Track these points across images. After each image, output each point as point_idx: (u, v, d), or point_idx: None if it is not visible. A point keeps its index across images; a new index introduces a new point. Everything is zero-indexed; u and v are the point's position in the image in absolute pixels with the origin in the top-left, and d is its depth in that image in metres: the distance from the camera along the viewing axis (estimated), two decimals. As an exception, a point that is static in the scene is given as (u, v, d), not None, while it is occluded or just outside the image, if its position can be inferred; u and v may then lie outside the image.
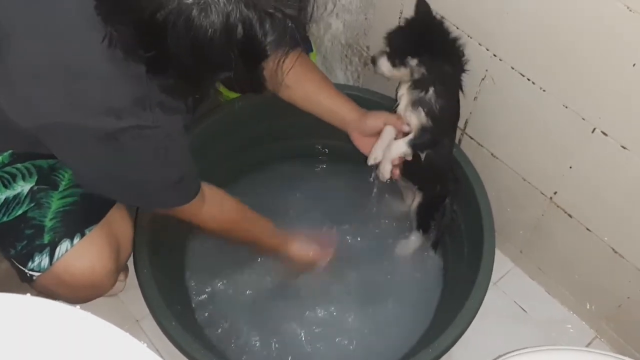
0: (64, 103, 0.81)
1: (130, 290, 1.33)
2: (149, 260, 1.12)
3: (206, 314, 1.28)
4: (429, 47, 1.12)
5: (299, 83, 1.19)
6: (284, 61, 0.79)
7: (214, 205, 1.05)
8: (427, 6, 1.13)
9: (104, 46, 0.74)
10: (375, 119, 1.21)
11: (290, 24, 0.72)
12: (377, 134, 1.20)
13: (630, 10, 0.89)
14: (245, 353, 1.25)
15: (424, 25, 1.14)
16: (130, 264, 1.16)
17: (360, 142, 1.24)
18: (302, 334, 1.27)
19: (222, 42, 0.68)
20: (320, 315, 1.29)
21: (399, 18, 1.28)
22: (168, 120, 0.86)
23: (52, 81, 0.81)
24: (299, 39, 0.77)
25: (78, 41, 0.80)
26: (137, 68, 0.75)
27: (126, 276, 1.35)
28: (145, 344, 0.72)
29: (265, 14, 0.69)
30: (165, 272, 1.20)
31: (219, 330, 1.27)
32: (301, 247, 1.21)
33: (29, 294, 0.70)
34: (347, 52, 1.54)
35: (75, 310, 0.71)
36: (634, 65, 0.93)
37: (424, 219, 1.30)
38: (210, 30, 0.67)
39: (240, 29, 0.68)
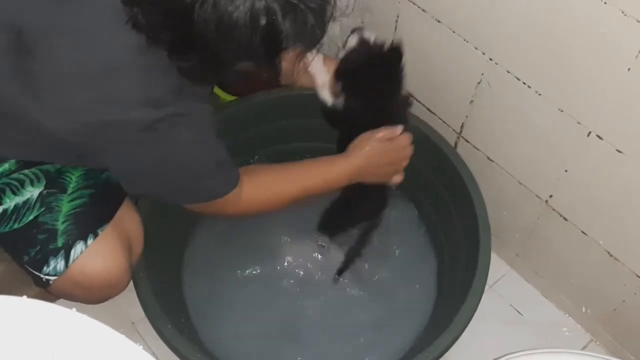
0: (100, 100, 0.82)
1: (126, 293, 1.32)
2: (145, 262, 1.12)
3: (202, 316, 1.28)
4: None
5: None
6: (302, 59, 0.82)
7: (252, 186, 1.03)
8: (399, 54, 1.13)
9: (135, 41, 0.76)
10: None
11: (311, 20, 0.74)
12: None
13: (625, 15, 0.89)
14: (240, 355, 1.25)
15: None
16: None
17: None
18: (296, 335, 1.27)
19: (246, 28, 0.71)
20: (313, 319, 1.29)
21: (396, 22, 1.29)
22: (201, 108, 0.90)
23: (87, 80, 0.82)
24: (317, 39, 0.79)
25: (108, 39, 0.81)
26: (167, 59, 0.78)
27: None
28: (142, 347, 0.72)
29: (288, 6, 0.72)
30: (162, 275, 1.20)
31: (215, 333, 1.26)
32: (362, 149, 1.13)
33: (24, 296, 0.70)
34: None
35: (72, 313, 0.71)
36: (628, 69, 0.93)
37: (331, 221, 1.28)
38: (235, 14, 0.70)
39: (263, 17, 0.71)
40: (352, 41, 1.14)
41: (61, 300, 1.11)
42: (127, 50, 0.80)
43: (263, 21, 0.71)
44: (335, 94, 1.16)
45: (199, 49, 0.74)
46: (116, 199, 1.09)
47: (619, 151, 1.04)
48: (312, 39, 0.78)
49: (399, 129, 1.16)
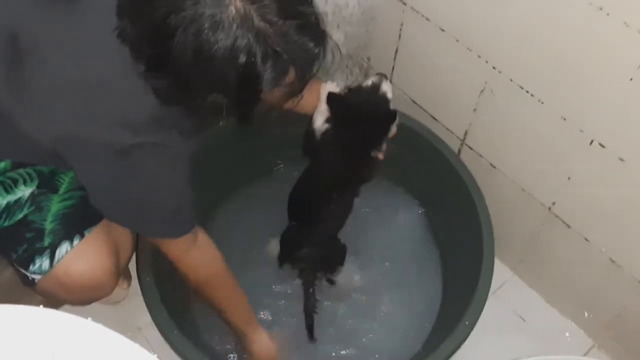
0: (82, 115, 0.82)
1: (133, 298, 1.34)
2: (152, 268, 1.13)
3: (208, 322, 1.28)
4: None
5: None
6: (283, 102, 0.81)
7: (200, 251, 1.02)
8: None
9: (127, 62, 0.76)
10: None
11: (292, 72, 0.74)
12: None
13: (627, 26, 0.90)
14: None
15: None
16: (133, 271, 1.17)
17: None
18: (300, 343, 1.28)
19: (223, 62, 0.70)
20: (317, 324, 1.29)
21: (400, 31, 1.30)
22: (181, 143, 0.87)
23: (73, 94, 0.82)
24: (297, 91, 0.79)
25: (101, 56, 0.81)
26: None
27: (129, 284, 1.36)
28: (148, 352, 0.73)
29: (272, 52, 0.72)
30: (168, 280, 1.20)
31: (220, 338, 1.27)
32: (267, 342, 1.17)
33: (33, 305, 0.70)
34: (347, 63, 1.55)
35: (81, 320, 0.72)
36: (631, 79, 0.94)
37: (284, 250, 1.29)
38: (215, 46, 0.70)
39: (243, 55, 0.71)
40: (367, 82, 1.17)
41: (65, 306, 1.12)
42: (116, 70, 0.80)
43: (242, 60, 0.71)
44: (327, 121, 1.17)
45: (172, 72, 0.73)
46: None
47: (621, 159, 1.04)
48: (291, 90, 0.78)
49: None
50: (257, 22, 0.70)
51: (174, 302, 1.18)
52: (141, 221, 0.96)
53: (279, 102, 0.82)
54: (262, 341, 1.17)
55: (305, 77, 0.78)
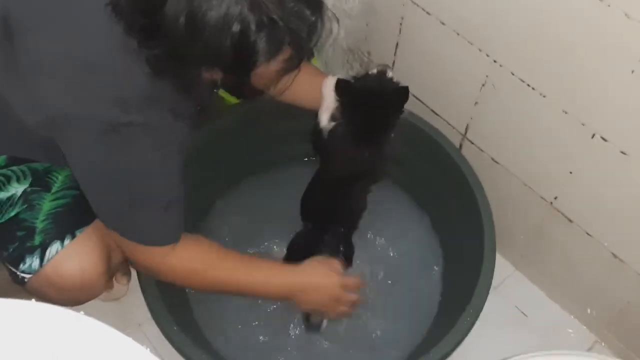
0: (72, 93, 0.81)
1: (132, 294, 1.34)
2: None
3: (208, 317, 1.29)
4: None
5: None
6: (279, 78, 0.80)
7: (181, 253, 0.97)
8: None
9: (119, 40, 0.75)
10: None
11: (289, 42, 0.73)
12: None
13: (628, 18, 0.89)
14: (245, 355, 1.25)
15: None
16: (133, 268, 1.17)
17: None
18: (300, 338, 1.28)
19: (216, 31, 0.69)
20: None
21: (400, 24, 1.29)
22: (174, 128, 0.86)
23: (65, 73, 0.81)
24: (294, 65, 0.78)
25: (94, 34, 0.80)
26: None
27: (128, 280, 1.36)
28: (148, 349, 0.72)
29: (267, 20, 0.70)
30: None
31: (220, 334, 1.27)
32: (316, 269, 1.07)
33: (33, 300, 0.70)
34: (348, 58, 1.55)
35: (78, 316, 0.72)
36: (632, 71, 0.94)
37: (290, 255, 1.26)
38: (208, 13, 0.68)
39: (237, 24, 0.69)
40: (372, 70, 1.15)
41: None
42: (108, 47, 0.79)
43: (236, 28, 0.69)
44: (332, 118, 1.15)
45: (165, 41, 0.72)
46: None
47: (624, 153, 1.04)
48: (289, 65, 0.77)
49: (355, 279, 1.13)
50: None
51: (173, 298, 1.18)
52: (129, 217, 0.93)
53: (276, 77, 0.80)
54: (306, 267, 1.07)
55: (302, 49, 0.76)
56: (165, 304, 1.09)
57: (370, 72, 1.15)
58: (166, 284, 1.14)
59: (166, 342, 1.06)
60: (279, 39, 0.72)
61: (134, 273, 1.30)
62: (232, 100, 1.48)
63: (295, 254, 1.24)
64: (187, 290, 1.31)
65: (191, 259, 0.99)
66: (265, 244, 1.38)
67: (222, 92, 1.48)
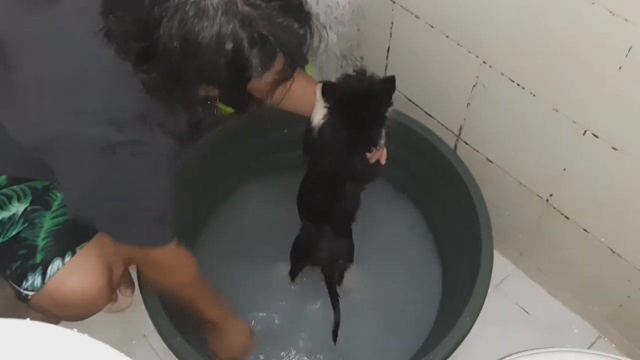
0: (67, 112, 0.81)
1: (137, 306, 1.35)
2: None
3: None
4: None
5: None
6: (274, 89, 0.81)
7: (178, 258, 1.02)
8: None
9: (110, 60, 0.76)
10: None
11: (281, 55, 0.74)
12: None
13: (613, 15, 0.90)
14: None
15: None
16: (136, 279, 1.18)
17: None
18: (303, 341, 1.29)
19: (210, 50, 0.70)
20: (319, 322, 1.30)
21: (390, 29, 1.30)
22: (165, 142, 0.87)
23: (57, 91, 0.82)
24: (287, 76, 0.79)
25: (85, 54, 0.81)
26: (140, 84, 0.77)
27: (132, 292, 1.37)
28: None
29: (258, 36, 0.71)
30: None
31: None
32: (244, 328, 1.21)
33: (28, 319, 0.71)
34: (342, 63, 1.56)
35: (75, 335, 0.73)
36: (619, 68, 0.94)
37: (297, 257, 1.30)
38: (201, 34, 0.69)
39: (230, 42, 0.70)
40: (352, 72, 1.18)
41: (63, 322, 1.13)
42: (100, 67, 0.80)
43: (229, 46, 0.70)
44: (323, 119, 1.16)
45: (161, 64, 0.73)
46: None
47: (615, 148, 1.04)
48: (282, 76, 0.78)
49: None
50: (241, 6, 0.70)
51: (176, 309, 1.19)
52: (125, 226, 0.94)
53: (271, 88, 0.81)
54: (238, 326, 1.20)
55: (294, 60, 0.77)
56: (167, 314, 1.10)
57: (350, 74, 1.18)
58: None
59: (171, 353, 1.07)
60: (271, 53, 0.74)
61: (137, 285, 1.31)
62: (228, 110, 1.50)
63: (299, 252, 1.29)
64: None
65: (181, 273, 1.05)
66: (266, 252, 1.39)
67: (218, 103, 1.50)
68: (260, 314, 1.33)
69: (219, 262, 1.38)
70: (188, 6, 0.68)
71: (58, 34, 0.83)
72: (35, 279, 1.01)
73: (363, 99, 1.12)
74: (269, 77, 0.78)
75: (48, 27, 0.83)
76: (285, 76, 0.80)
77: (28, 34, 0.84)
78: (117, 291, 1.34)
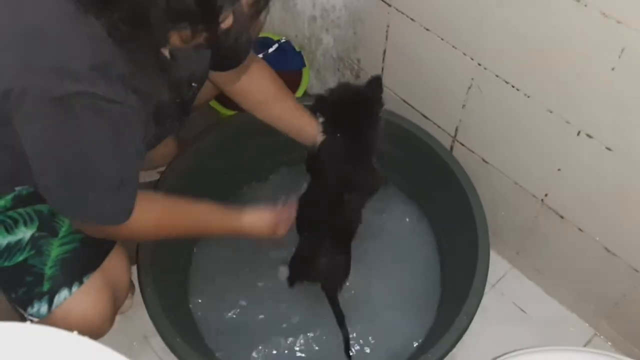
0: (19, 65, 0.78)
1: (138, 307, 1.36)
2: (153, 278, 1.15)
3: (210, 327, 1.31)
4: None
5: (264, 101, 1.22)
6: (251, 23, 0.77)
7: (137, 212, 0.95)
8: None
9: (65, 8, 0.74)
10: None
11: None
12: None
13: (605, 16, 0.91)
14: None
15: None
16: (136, 282, 1.19)
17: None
18: (302, 341, 1.30)
19: None
20: (319, 321, 1.31)
21: (386, 32, 1.32)
22: (128, 99, 0.81)
23: (11, 45, 0.79)
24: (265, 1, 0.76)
25: (40, 4, 0.78)
26: (99, 32, 0.74)
27: (133, 294, 1.38)
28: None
29: None
30: (170, 288, 1.23)
31: (224, 343, 1.29)
32: (253, 217, 1.13)
33: (29, 322, 0.72)
34: (339, 66, 1.57)
35: (76, 338, 0.74)
36: (612, 69, 0.95)
37: (295, 271, 1.29)
38: None
39: None
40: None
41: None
42: (53, 15, 0.77)
43: None
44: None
45: (123, 5, 0.70)
46: (106, 246, 1.09)
47: (609, 148, 1.06)
48: (257, 7, 0.76)
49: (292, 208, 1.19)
50: None
51: (177, 310, 1.20)
52: (79, 197, 0.89)
53: (247, 22, 0.78)
54: (251, 212, 1.13)
55: None
56: (168, 316, 1.11)
57: (332, 87, 1.23)
58: (169, 296, 1.17)
59: (171, 355, 1.08)
60: None
61: (137, 286, 1.32)
62: (227, 112, 1.51)
63: (297, 269, 1.29)
64: (189, 300, 1.34)
65: (147, 219, 0.98)
66: (268, 252, 1.40)
67: (215, 105, 1.52)
68: (260, 316, 1.34)
69: (217, 262, 1.39)
70: None
71: None
72: (41, 307, 1.01)
73: (354, 104, 1.14)
74: (242, 8, 0.75)
75: None
76: (259, 6, 0.77)
77: None
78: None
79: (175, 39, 0.78)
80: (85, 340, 0.74)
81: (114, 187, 0.88)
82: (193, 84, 1.05)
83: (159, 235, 1.05)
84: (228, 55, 1.12)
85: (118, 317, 1.35)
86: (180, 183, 1.28)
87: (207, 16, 0.73)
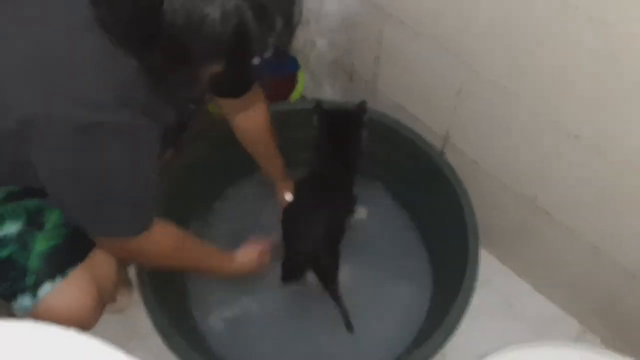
0: (44, 95, 0.80)
1: (136, 306, 1.37)
2: (151, 275, 1.16)
3: (209, 325, 1.33)
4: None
5: (252, 132, 1.30)
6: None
7: (156, 236, 1.00)
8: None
9: (92, 37, 0.76)
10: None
11: (279, 24, 0.76)
12: None
13: (591, 19, 0.93)
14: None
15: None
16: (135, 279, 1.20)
17: (282, 201, 1.40)
18: (298, 336, 1.32)
19: (215, 23, 0.71)
20: (312, 319, 1.33)
21: (379, 36, 1.34)
22: (147, 126, 0.86)
23: (32, 73, 0.80)
24: (289, 38, 0.80)
25: (64, 34, 0.80)
26: (125, 65, 0.77)
27: (130, 292, 1.40)
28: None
29: (258, 5, 0.72)
30: (168, 287, 1.24)
31: (222, 341, 1.31)
32: (243, 258, 1.24)
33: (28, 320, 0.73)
34: (333, 69, 1.60)
35: (75, 335, 0.76)
36: (599, 71, 0.97)
37: (287, 273, 1.32)
38: (205, 9, 0.70)
39: (234, 15, 0.71)
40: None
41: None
42: (82, 45, 0.79)
43: (234, 20, 0.71)
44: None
45: (168, 43, 0.72)
46: (92, 240, 1.07)
47: (597, 149, 1.08)
48: (280, 41, 0.79)
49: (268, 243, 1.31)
50: None
51: (175, 309, 1.22)
52: (99, 215, 0.93)
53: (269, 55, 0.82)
54: (239, 257, 1.24)
55: (290, 24, 0.78)
56: (166, 315, 1.12)
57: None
58: (167, 295, 1.19)
59: (170, 353, 1.09)
60: (272, 21, 0.75)
61: (135, 284, 1.33)
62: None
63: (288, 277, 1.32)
64: (188, 299, 1.36)
65: (163, 249, 1.04)
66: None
67: (211, 107, 1.54)
68: (260, 314, 1.35)
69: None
70: None
71: (33, 16, 0.83)
72: (25, 301, 1.01)
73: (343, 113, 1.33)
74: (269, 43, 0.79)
75: (22, 7, 0.83)
76: (283, 41, 0.80)
77: (3, 14, 0.84)
78: (116, 292, 1.36)
79: (204, 73, 0.81)
80: (85, 338, 0.75)
81: (132, 206, 0.93)
82: (192, 106, 1.11)
83: (172, 258, 1.09)
84: (234, 85, 1.16)
85: (116, 316, 1.38)
86: (170, 183, 1.31)
87: (241, 54, 0.77)
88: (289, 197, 1.39)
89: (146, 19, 0.71)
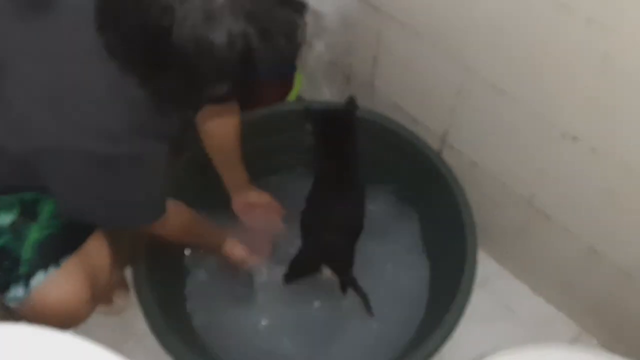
0: (62, 125, 0.83)
1: (133, 308, 1.37)
2: (147, 276, 1.17)
3: (205, 325, 1.33)
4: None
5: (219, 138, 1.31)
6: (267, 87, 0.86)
7: (171, 215, 1.07)
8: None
9: (108, 71, 0.78)
10: (260, 195, 1.42)
11: (282, 44, 0.77)
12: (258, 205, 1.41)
13: (589, 21, 0.93)
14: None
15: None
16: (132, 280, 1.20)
17: (238, 207, 1.41)
18: (296, 338, 1.31)
19: (223, 48, 0.73)
20: (311, 323, 1.32)
21: (377, 37, 1.34)
22: (158, 148, 0.92)
23: (53, 103, 0.83)
24: (292, 56, 0.82)
25: (80, 64, 0.83)
26: (134, 91, 0.79)
27: (127, 294, 1.39)
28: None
29: (263, 30, 0.74)
30: (165, 288, 1.24)
31: (219, 342, 1.30)
32: (231, 248, 1.30)
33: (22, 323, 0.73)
34: (331, 70, 1.60)
35: (70, 338, 0.76)
36: (597, 73, 0.97)
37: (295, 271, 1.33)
38: (212, 35, 0.72)
39: (240, 40, 0.73)
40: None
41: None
42: (98, 78, 0.82)
43: (240, 44, 0.73)
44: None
45: (177, 69, 0.75)
46: (85, 230, 1.09)
47: (594, 150, 1.08)
48: (283, 59, 0.81)
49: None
50: (244, 3, 0.73)
51: (171, 310, 1.21)
52: (119, 216, 1.01)
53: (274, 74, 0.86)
54: (232, 243, 1.30)
55: (294, 44, 0.80)
56: (163, 315, 1.12)
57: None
58: (163, 295, 1.19)
59: (166, 355, 1.09)
60: (277, 43, 0.76)
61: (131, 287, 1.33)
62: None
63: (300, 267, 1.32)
64: (186, 302, 1.35)
65: (178, 226, 1.13)
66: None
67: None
68: (256, 315, 1.35)
69: (213, 261, 1.40)
70: (196, 11, 0.71)
71: (55, 45, 0.84)
72: (18, 291, 1.01)
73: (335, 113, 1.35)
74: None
75: (39, 36, 0.85)
76: (286, 59, 0.82)
77: (18, 43, 0.85)
78: (112, 294, 1.36)
79: (211, 94, 0.83)
80: (80, 341, 0.75)
81: (151, 203, 1.02)
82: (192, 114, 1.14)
83: (177, 237, 1.16)
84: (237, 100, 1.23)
85: (112, 318, 1.38)
86: (175, 185, 1.30)
87: (247, 76, 0.79)
88: (243, 208, 1.41)
89: (155, 45, 0.73)
